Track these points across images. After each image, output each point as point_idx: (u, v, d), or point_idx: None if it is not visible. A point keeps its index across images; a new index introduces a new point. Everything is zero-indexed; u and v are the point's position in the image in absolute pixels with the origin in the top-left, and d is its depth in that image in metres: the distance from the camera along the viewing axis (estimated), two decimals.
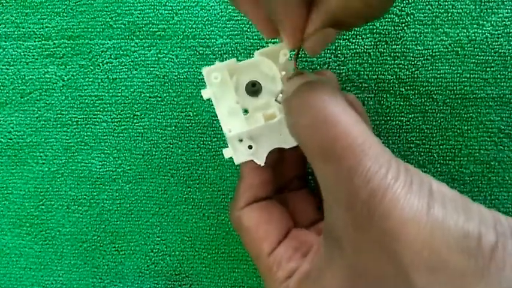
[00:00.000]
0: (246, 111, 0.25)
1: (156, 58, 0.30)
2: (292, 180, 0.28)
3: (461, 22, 0.28)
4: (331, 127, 0.19)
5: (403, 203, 0.18)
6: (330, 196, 0.20)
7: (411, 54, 0.29)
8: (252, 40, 0.30)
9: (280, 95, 0.23)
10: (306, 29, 0.21)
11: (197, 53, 0.30)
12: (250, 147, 0.24)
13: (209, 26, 0.30)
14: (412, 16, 0.29)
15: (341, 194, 0.19)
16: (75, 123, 0.31)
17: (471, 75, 0.28)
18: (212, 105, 0.25)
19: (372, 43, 0.29)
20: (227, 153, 0.25)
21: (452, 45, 0.28)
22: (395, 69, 0.29)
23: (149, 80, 0.30)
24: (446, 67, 0.29)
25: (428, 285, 0.17)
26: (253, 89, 0.25)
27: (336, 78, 0.26)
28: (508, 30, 0.28)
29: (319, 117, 0.20)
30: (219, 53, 0.30)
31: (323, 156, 0.19)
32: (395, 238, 0.17)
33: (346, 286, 0.20)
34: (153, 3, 0.30)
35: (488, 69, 0.28)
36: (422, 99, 0.29)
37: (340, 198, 0.19)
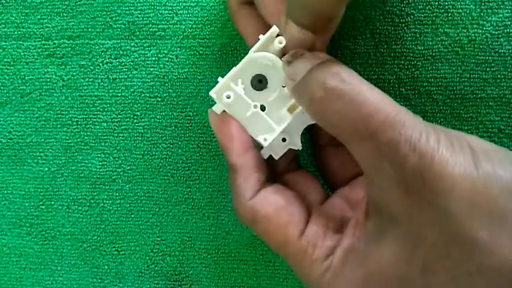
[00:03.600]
0: (262, 107, 0.25)
1: (156, 58, 0.30)
2: (291, 162, 0.27)
3: (461, 22, 0.28)
4: (363, 106, 0.19)
5: (452, 163, 0.18)
6: (375, 172, 0.20)
7: (411, 54, 0.29)
8: None
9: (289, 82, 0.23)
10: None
11: (197, 53, 0.30)
12: (284, 139, 0.25)
13: (209, 26, 0.30)
14: (412, 16, 0.29)
15: (387, 167, 0.19)
16: (75, 123, 0.31)
17: (471, 75, 0.28)
18: (213, 103, 0.25)
19: (372, 43, 0.29)
20: (265, 153, 0.25)
21: (452, 45, 0.28)
22: (395, 69, 0.29)
23: (149, 80, 0.30)
24: (446, 67, 0.29)
25: (491, 239, 0.17)
26: (261, 84, 0.24)
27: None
28: (508, 30, 0.28)
29: (346, 99, 0.20)
30: (219, 53, 0.30)
31: (360, 136, 0.19)
32: (451, 197, 0.18)
33: (404, 257, 0.19)
34: (153, 3, 0.30)
35: (488, 69, 0.28)
36: (422, 99, 0.29)
37: (387, 172, 0.19)
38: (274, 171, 0.27)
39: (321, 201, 0.26)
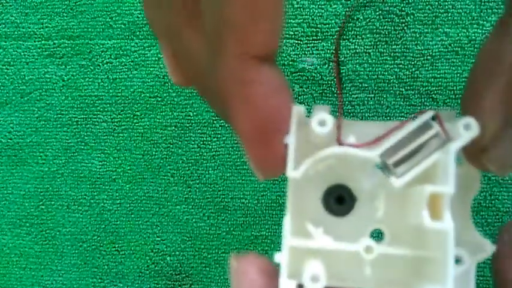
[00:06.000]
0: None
1: (156, 58, 0.30)
2: None
3: (461, 22, 0.28)
4: None
5: None
6: None
7: (411, 54, 0.29)
8: None
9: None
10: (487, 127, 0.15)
11: None
12: None
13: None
14: (412, 16, 0.29)
15: None
16: (75, 123, 0.31)
17: None
18: None
19: (372, 43, 0.29)
20: None
21: (452, 45, 0.28)
22: (395, 69, 0.29)
23: (149, 80, 0.30)
24: (446, 67, 0.29)
25: None
26: (343, 207, 0.16)
27: None
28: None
29: None
30: None
31: None
32: None
33: None
34: None
35: None
36: (422, 99, 0.29)
37: None
38: None
39: None
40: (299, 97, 0.29)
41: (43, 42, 0.31)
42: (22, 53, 0.31)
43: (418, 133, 0.15)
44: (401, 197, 0.16)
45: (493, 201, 0.29)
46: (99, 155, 0.31)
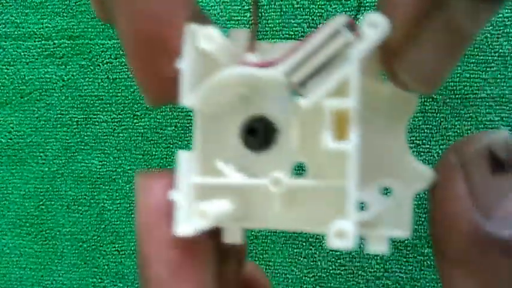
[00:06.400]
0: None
1: None
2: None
3: None
4: None
5: None
6: None
7: None
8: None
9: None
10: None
11: None
12: None
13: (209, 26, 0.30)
14: None
15: None
16: (75, 123, 0.31)
17: (471, 75, 0.28)
18: None
19: None
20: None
21: None
22: None
23: None
24: None
25: None
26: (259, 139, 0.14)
27: None
28: (508, 30, 0.28)
29: None
30: None
31: None
32: None
33: None
34: None
35: (488, 69, 0.28)
36: (422, 99, 0.29)
37: None
38: None
39: None
40: None
41: (43, 42, 0.31)
42: (22, 53, 0.31)
43: (328, 44, 0.12)
44: (318, 123, 0.13)
45: None
46: (99, 155, 0.31)
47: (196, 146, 0.15)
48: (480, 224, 0.12)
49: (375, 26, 0.11)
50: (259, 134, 0.14)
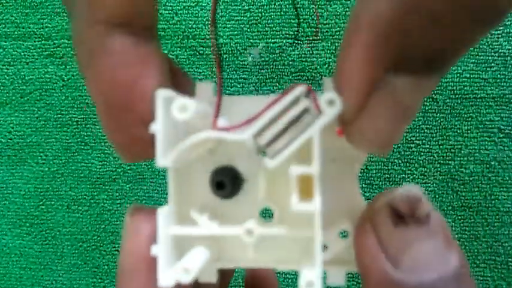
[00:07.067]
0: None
1: None
2: None
3: None
4: None
5: None
6: None
7: None
8: (252, 40, 0.30)
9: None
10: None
11: (197, 53, 0.30)
12: None
13: (209, 26, 0.30)
14: None
15: None
16: (75, 123, 0.31)
17: (471, 75, 0.28)
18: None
19: None
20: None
21: None
22: None
23: None
24: None
25: None
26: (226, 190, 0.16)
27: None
28: (508, 30, 0.28)
29: None
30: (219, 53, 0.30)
31: None
32: None
33: None
34: None
35: (488, 69, 0.28)
36: (422, 99, 0.29)
37: None
38: None
39: None
40: None
41: (43, 42, 0.31)
42: (22, 53, 0.31)
43: (289, 109, 0.13)
44: (284, 175, 0.14)
45: (493, 201, 0.29)
46: (99, 155, 0.31)
47: (172, 199, 0.17)
48: (389, 273, 0.14)
49: (331, 104, 0.13)
50: (226, 188, 0.15)
